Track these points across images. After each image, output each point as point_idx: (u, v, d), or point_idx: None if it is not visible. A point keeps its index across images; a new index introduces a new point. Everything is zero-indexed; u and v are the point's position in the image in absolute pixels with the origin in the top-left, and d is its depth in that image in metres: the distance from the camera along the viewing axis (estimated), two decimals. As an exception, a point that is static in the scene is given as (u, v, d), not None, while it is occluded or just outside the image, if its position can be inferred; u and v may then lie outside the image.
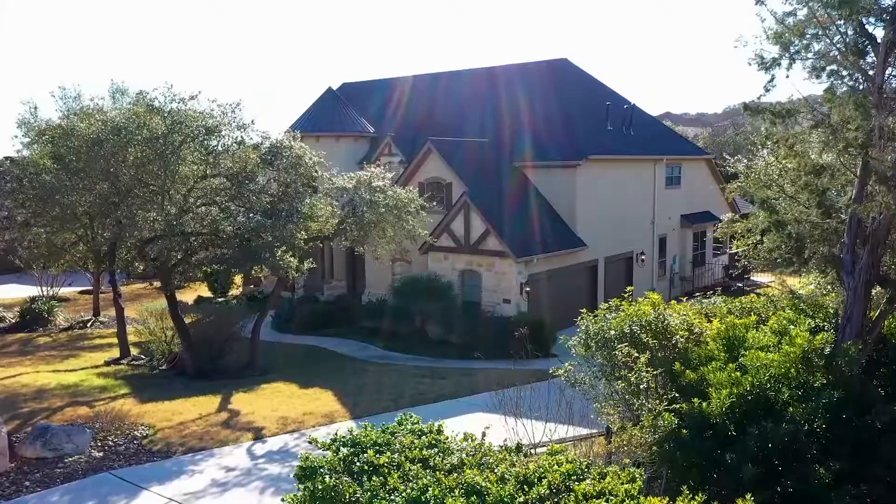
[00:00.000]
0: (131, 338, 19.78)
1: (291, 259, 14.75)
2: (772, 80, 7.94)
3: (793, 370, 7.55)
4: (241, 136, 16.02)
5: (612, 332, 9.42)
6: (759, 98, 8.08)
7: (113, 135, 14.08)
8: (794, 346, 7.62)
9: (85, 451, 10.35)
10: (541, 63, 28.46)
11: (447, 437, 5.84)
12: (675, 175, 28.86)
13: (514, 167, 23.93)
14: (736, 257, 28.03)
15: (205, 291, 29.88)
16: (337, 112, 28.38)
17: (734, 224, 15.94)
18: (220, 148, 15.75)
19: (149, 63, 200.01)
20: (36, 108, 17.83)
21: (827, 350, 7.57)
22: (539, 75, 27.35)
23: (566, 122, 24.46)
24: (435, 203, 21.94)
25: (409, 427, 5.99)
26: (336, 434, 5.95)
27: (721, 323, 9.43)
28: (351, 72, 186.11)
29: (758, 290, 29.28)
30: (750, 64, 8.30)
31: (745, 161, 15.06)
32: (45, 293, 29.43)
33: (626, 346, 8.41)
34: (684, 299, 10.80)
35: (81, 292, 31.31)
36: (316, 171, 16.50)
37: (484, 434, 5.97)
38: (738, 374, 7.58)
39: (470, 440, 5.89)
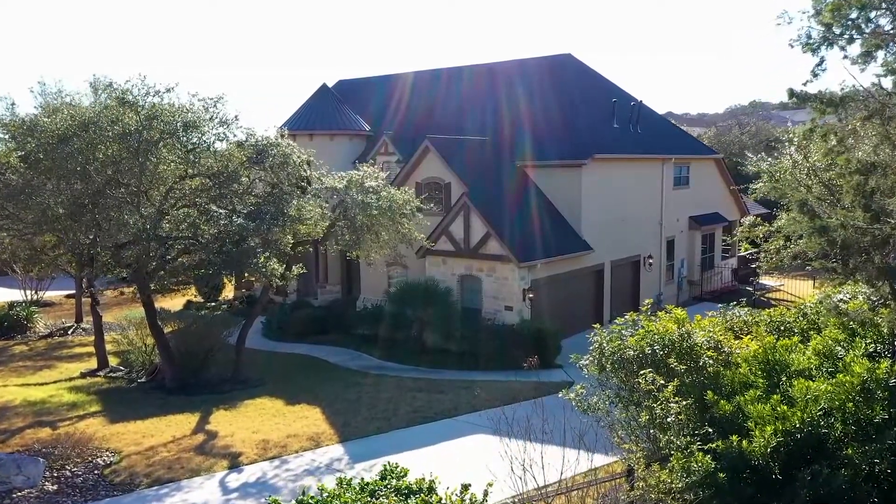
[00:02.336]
0: (112, 347, 18.67)
1: (275, 265, 13.62)
2: (821, 62, 6.82)
3: (850, 403, 6.43)
4: (224, 133, 14.91)
5: (632, 353, 8.31)
6: (804, 84, 6.94)
7: (80, 130, 12.95)
8: (850, 374, 6.49)
9: (37, 483, 9.23)
10: (544, 59, 27.33)
11: (440, 499, 4.70)
12: (684, 175, 27.73)
13: (516, 167, 22.80)
14: (756, 264, 26.97)
15: (195, 296, 28.78)
16: (332, 109, 27.25)
17: (755, 228, 14.79)
18: (200, 145, 14.61)
19: (133, 57, 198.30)
20: (14, 104, 16.74)
21: (892, 381, 6.43)
22: (542, 71, 26.22)
23: (570, 120, 23.34)
24: (433, 204, 20.81)
25: (393, 483, 4.85)
26: (304, 492, 4.82)
27: (756, 341, 8.33)
28: (348, 69, 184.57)
29: (768, 295, 28.18)
30: (793, 46, 7.18)
31: (769, 160, 13.94)
32: (27, 297, 28.36)
33: (650, 372, 7.27)
34: (710, 314, 9.68)
35: (68, 296, 30.19)
36: (304, 170, 15.38)
37: (486, 493, 4.82)
38: (785, 407, 6.46)
39: (470, 500, 4.76)
